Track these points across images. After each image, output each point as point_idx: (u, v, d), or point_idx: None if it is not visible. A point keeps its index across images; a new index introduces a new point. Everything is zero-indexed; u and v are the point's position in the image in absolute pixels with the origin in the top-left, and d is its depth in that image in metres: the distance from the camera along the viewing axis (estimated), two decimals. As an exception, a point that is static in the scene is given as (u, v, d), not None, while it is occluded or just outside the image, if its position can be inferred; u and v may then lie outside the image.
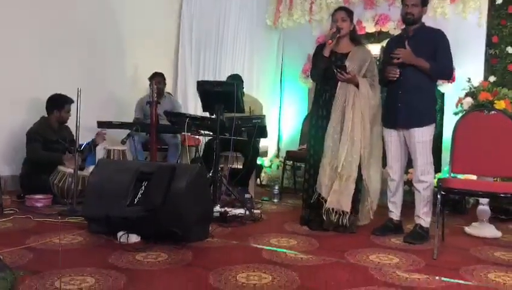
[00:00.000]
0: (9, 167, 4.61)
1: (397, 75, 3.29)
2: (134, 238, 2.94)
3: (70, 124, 4.51)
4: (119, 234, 2.94)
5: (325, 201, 3.44)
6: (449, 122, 4.56)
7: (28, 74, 4.79)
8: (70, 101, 4.47)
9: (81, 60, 5.32)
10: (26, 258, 2.57)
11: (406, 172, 4.18)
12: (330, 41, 3.47)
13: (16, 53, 4.70)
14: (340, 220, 3.41)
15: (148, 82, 5.09)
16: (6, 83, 4.60)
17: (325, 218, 3.44)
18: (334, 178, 3.43)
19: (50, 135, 4.46)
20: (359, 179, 3.46)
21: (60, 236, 2.96)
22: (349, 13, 3.62)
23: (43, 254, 2.66)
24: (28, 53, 4.82)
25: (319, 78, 3.64)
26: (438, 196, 2.98)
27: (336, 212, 3.42)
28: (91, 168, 3.88)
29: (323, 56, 3.51)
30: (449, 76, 3.54)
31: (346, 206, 3.40)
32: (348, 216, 3.41)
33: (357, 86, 3.46)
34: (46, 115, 4.55)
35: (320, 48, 3.66)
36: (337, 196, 3.41)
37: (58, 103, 4.51)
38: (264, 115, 4.63)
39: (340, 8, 3.68)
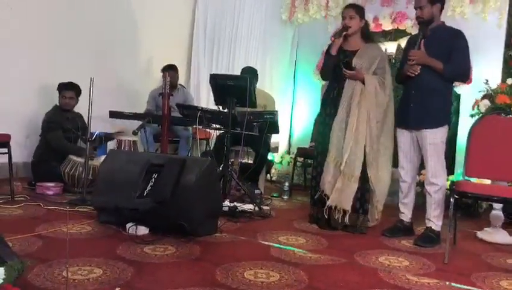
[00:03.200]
0: (22, 153, 4.63)
1: (417, 72, 3.23)
2: (142, 230, 2.93)
3: (83, 112, 4.52)
4: (128, 225, 2.93)
5: (328, 198, 3.41)
6: (464, 124, 4.49)
7: (41, 63, 4.79)
8: (67, 87, 4.48)
9: (94, 50, 5.32)
10: (35, 246, 2.57)
11: (419, 174, 4.13)
12: (333, 38, 3.45)
13: (29, 42, 4.70)
14: (344, 219, 3.38)
15: (161, 74, 5.08)
16: (20, 71, 4.61)
17: (326, 215, 3.42)
18: (337, 176, 3.40)
19: (64, 123, 4.48)
20: (367, 179, 3.42)
21: (68, 225, 2.97)
22: (359, 10, 3.56)
23: (51, 243, 2.67)
24: (41, 42, 4.82)
25: (327, 76, 3.62)
26: (451, 199, 2.92)
27: (339, 210, 3.39)
28: (102, 158, 3.88)
29: (331, 55, 3.48)
30: (464, 78, 3.46)
31: (347, 205, 3.37)
32: (348, 214, 3.37)
33: (363, 82, 3.42)
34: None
35: (331, 45, 3.61)
36: (338, 194, 3.38)
37: (58, 90, 4.54)
38: (277, 111, 4.59)
39: (349, 6, 3.64)
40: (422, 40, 3.25)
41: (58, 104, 4.56)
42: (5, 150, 3.71)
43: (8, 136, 3.74)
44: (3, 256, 1.85)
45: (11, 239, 2.53)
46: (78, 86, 4.52)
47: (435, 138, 3.25)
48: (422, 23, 3.30)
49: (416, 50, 3.24)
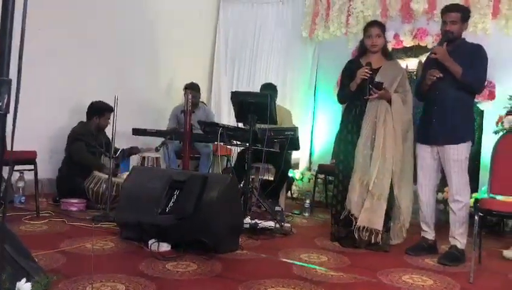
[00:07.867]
0: (46, 170, 4.72)
1: (437, 76, 3.19)
2: (165, 246, 2.96)
3: (107, 129, 4.61)
4: (150, 241, 2.96)
5: (355, 218, 3.38)
6: (488, 140, 4.42)
7: (66, 81, 4.91)
8: (111, 109, 4.55)
9: (118, 68, 5.43)
10: (59, 261, 2.62)
11: (442, 191, 4.07)
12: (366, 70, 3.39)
13: (55, 61, 4.81)
14: (373, 238, 3.35)
15: (183, 92, 5.16)
16: (46, 89, 4.71)
17: (356, 236, 3.38)
18: (364, 195, 3.37)
19: (89, 139, 4.56)
20: (391, 196, 3.39)
21: (93, 242, 3.00)
22: (383, 28, 3.58)
23: (75, 258, 2.71)
24: (66, 62, 4.92)
25: (345, 102, 3.66)
26: (476, 217, 2.87)
27: (367, 230, 3.35)
28: (125, 174, 3.94)
29: (349, 90, 3.49)
30: (479, 88, 3.37)
31: (378, 225, 3.33)
32: (380, 235, 3.34)
33: (389, 101, 3.40)
34: (85, 120, 4.66)
35: (349, 64, 3.61)
36: (368, 214, 3.34)
37: (100, 110, 4.62)
38: (297, 127, 4.60)
39: (374, 23, 3.60)
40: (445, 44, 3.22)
41: (85, 121, 4.64)
42: (32, 166, 3.80)
43: (35, 153, 3.82)
44: (30, 271, 1.89)
45: (37, 254, 2.57)
46: None
47: (458, 154, 3.20)
48: (448, 39, 3.24)
49: (439, 47, 3.22)
